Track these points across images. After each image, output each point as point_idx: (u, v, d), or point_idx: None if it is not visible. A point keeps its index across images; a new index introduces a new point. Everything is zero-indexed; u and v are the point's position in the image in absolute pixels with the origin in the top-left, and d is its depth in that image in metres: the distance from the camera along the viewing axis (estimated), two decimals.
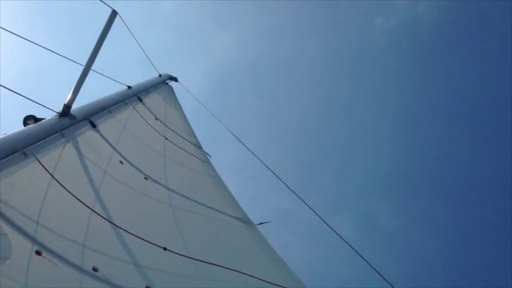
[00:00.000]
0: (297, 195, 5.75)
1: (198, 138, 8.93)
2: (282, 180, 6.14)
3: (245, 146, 6.94)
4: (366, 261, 4.45)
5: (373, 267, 4.35)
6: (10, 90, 3.88)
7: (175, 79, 10.80)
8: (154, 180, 5.44)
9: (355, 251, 4.63)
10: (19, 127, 3.92)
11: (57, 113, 4.55)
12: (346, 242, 4.82)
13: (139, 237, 3.92)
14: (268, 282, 4.52)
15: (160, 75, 10.04)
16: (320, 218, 5.20)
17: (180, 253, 4.17)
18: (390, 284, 4.04)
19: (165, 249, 4.05)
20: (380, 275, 4.20)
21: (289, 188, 5.93)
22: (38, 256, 2.72)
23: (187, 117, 9.78)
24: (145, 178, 5.33)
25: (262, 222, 6.24)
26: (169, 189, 5.57)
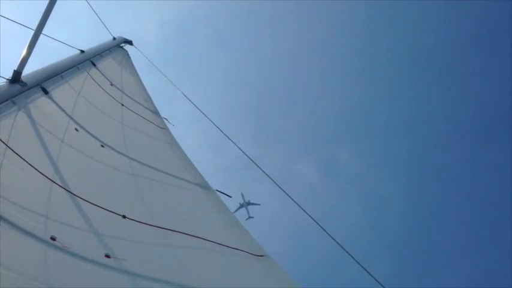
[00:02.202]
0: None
1: (153, 96, 8.84)
2: (264, 172, 6.07)
3: (204, 114, 6.92)
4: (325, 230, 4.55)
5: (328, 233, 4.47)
6: None
7: (130, 42, 10.49)
8: (111, 148, 5.37)
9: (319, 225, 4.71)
10: None
11: (7, 79, 4.38)
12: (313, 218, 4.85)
13: (97, 206, 3.90)
14: (228, 247, 4.62)
15: (114, 38, 9.72)
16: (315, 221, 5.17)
17: (140, 220, 4.18)
18: (337, 241, 4.23)
19: (124, 217, 4.05)
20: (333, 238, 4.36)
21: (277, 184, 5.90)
22: None
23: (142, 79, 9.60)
24: (102, 146, 5.25)
25: (226, 194, 6.29)
26: (127, 156, 5.52)
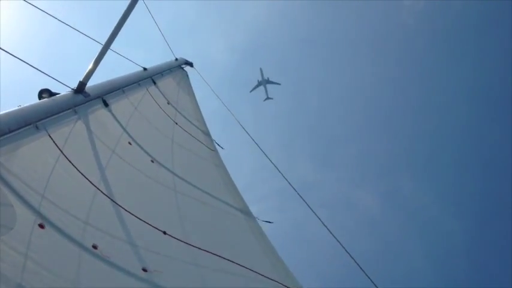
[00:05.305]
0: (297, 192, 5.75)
1: (210, 121, 9.00)
2: (287, 180, 6.12)
3: (254, 141, 6.97)
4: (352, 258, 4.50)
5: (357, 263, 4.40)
6: (26, 63, 3.95)
7: (190, 64, 10.84)
8: (160, 164, 5.50)
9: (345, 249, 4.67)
10: (34, 100, 4.01)
11: (72, 89, 4.63)
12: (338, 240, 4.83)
13: (140, 219, 3.99)
14: (262, 275, 4.57)
15: (176, 59, 10.08)
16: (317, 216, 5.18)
17: (179, 238, 4.22)
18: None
19: (164, 233, 4.11)
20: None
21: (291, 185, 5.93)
22: (41, 229, 2.80)
23: (200, 102, 9.83)
24: (151, 161, 5.39)
25: (266, 220, 6.23)
26: (174, 174, 5.63)
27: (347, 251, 4.56)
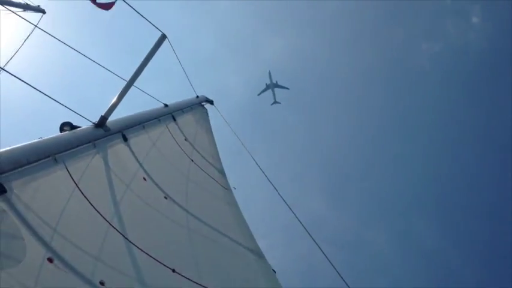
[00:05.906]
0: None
1: (224, 149, 9.05)
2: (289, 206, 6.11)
3: (270, 181, 6.98)
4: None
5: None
6: (52, 98, 4.08)
7: (211, 102, 11.00)
8: (173, 201, 5.52)
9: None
10: (56, 133, 4.12)
11: (93, 123, 4.74)
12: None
13: (150, 256, 3.98)
14: None
15: (197, 96, 10.24)
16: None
17: (188, 277, 4.19)
18: None
19: (173, 271, 4.08)
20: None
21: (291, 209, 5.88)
22: (50, 263, 2.81)
23: (215, 131, 9.92)
24: (165, 197, 5.41)
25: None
26: (187, 211, 5.63)
27: (335, 268, 4.53)
